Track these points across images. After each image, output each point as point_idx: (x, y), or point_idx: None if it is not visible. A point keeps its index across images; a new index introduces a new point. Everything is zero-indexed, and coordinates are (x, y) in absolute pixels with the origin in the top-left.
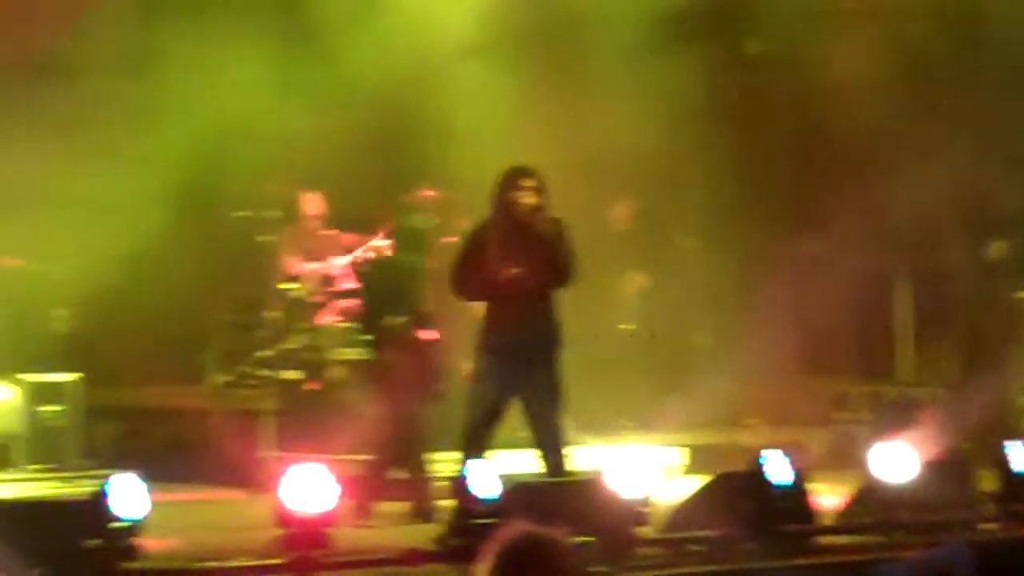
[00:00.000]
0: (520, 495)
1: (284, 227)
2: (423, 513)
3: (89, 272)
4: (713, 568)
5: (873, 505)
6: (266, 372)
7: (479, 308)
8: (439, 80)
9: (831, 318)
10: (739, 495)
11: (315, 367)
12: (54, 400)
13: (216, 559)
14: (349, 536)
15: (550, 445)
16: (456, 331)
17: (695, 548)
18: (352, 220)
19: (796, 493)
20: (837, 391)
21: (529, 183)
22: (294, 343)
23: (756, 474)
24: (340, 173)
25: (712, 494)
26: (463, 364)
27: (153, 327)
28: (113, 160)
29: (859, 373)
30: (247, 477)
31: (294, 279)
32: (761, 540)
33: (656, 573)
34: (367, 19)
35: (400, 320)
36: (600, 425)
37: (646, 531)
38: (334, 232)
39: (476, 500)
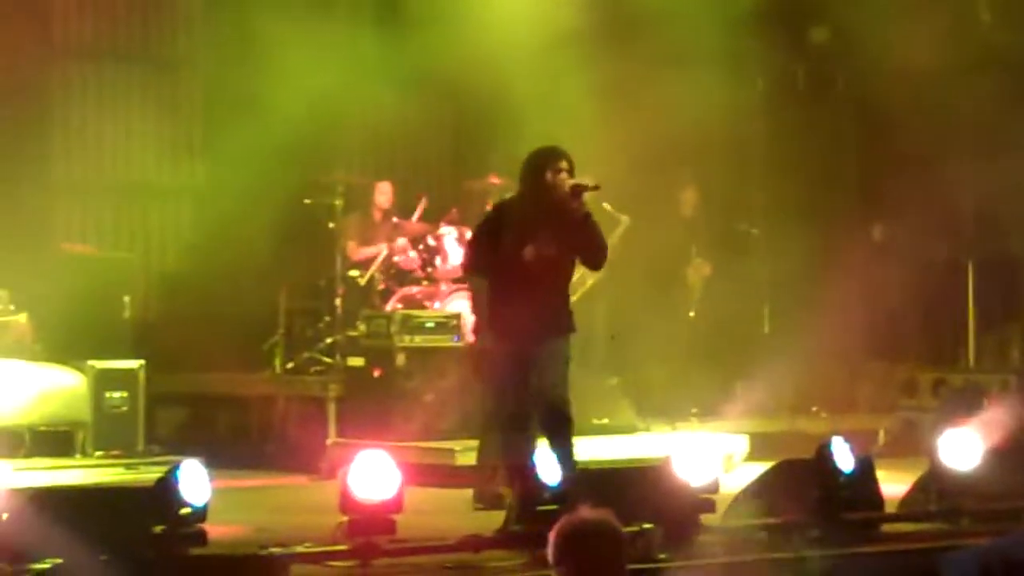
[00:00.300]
0: (584, 481)
1: (351, 214)
2: (489, 499)
3: (156, 258)
4: (777, 555)
5: (938, 493)
6: (330, 359)
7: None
8: (506, 69)
9: (897, 305)
10: (802, 482)
11: (380, 354)
12: (119, 386)
13: (280, 545)
14: (414, 522)
15: (556, 436)
16: None
17: (759, 536)
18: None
19: (860, 480)
20: (903, 378)
21: (564, 163)
22: (359, 330)
23: (820, 461)
24: (409, 161)
25: (775, 481)
26: None
27: (218, 313)
28: (181, 147)
29: (925, 360)
30: (311, 464)
31: (360, 266)
32: (824, 528)
33: (719, 560)
34: (437, 7)
35: None
36: (667, 412)
37: (711, 518)
38: (401, 220)
39: (541, 486)
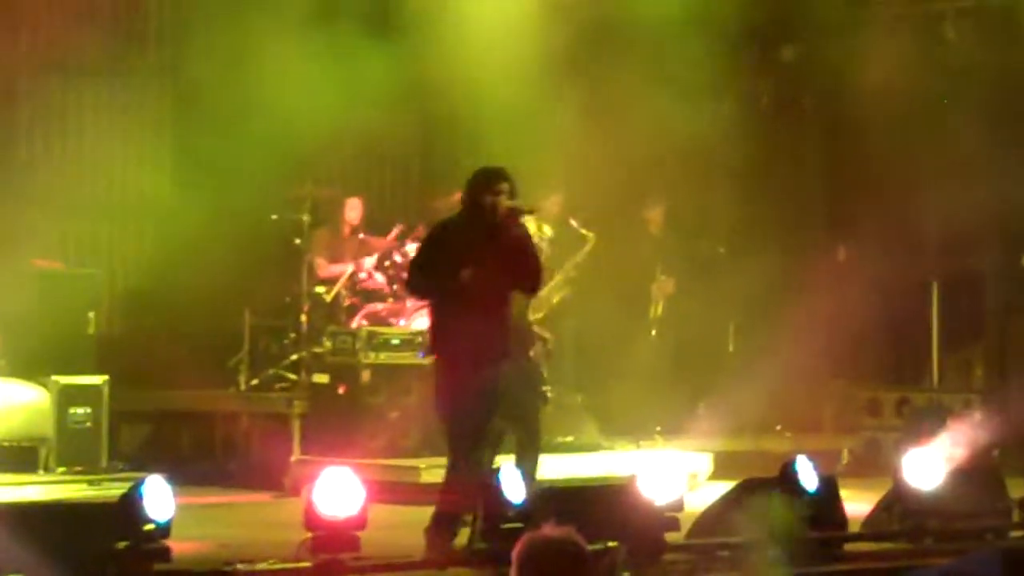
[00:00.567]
0: (549, 499)
1: (320, 229)
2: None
3: (121, 274)
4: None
5: (902, 512)
6: (295, 375)
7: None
8: (477, 87)
9: (862, 324)
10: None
11: (345, 371)
12: (83, 402)
13: (245, 562)
14: (378, 539)
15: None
16: None
17: (723, 554)
18: (384, 225)
19: (824, 499)
20: (867, 397)
21: (505, 186)
22: (324, 347)
23: (784, 480)
24: (378, 178)
25: (739, 500)
26: None
27: (183, 329)
28: (147, 162)
29: (889, 379)
30: (275, 480)
31: (326, 283)
32: (788, 546)
33: None
34: (408, 23)
35: None
36: (631, 430)
37: (675, 536)
38: (366, 237)
39: (505, 504)
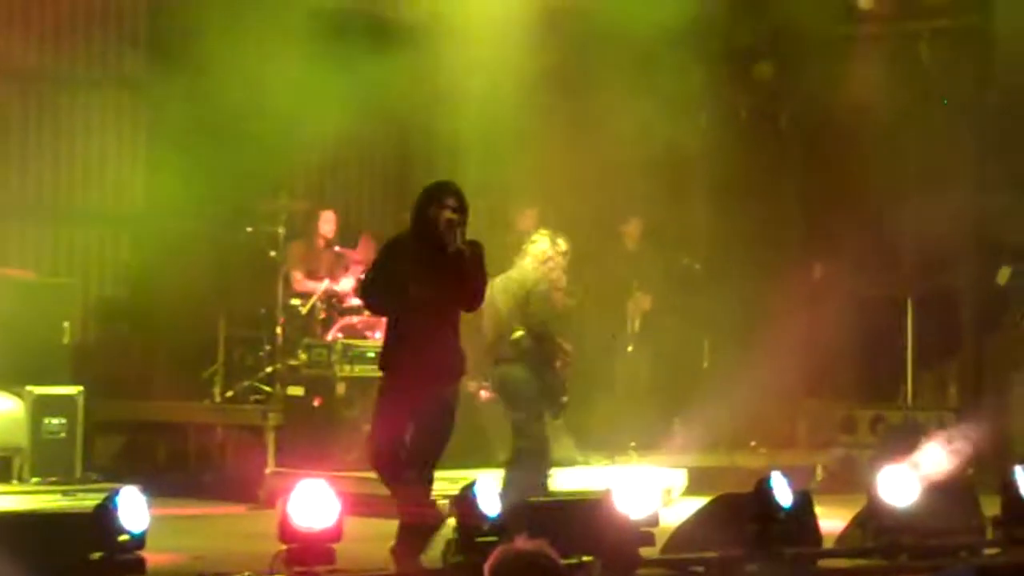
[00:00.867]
0: (524, 514)
1: (295, 242)
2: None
3: (95, 284)
4: None
5: (876, 529)
6: (270, 387)
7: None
8: (453, 100)
9: (836, 341)
10: (741, 517)
11: (320, 383)
12: (57, 412)
13: (219, 573)
14: (353, 551)
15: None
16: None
17: (697, 570)
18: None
19: (798, 516)
20: (841, 414)
21: (451, 201)
22: (299, 359)
23: (758, 496)
24: (351, 191)
25: (713, 515)
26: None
27: (158, 340)
28: (122, 172)
29: (864, 396)
30: (250, 492)
31: (301, 295)
32: (762, 562)
33: None
34: (385, 37)
35: None
36: (606, 446)
37: (650, 551)
38: (341, 249)
39: (480, 517)
